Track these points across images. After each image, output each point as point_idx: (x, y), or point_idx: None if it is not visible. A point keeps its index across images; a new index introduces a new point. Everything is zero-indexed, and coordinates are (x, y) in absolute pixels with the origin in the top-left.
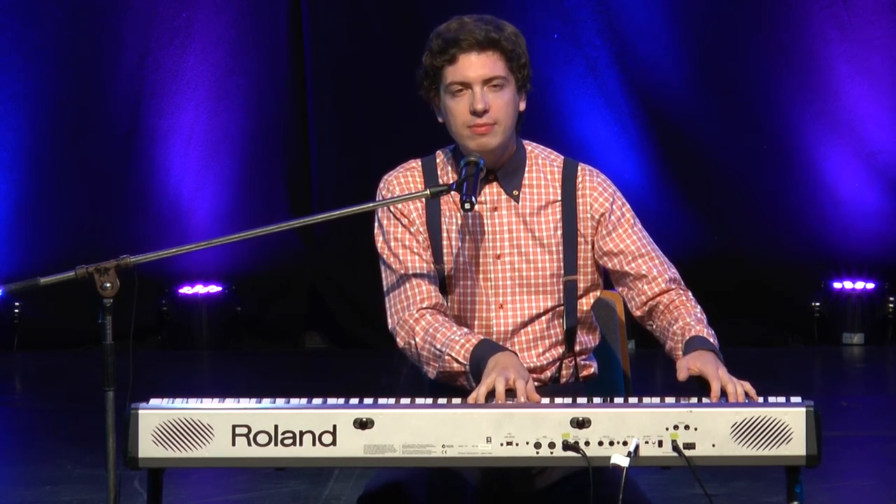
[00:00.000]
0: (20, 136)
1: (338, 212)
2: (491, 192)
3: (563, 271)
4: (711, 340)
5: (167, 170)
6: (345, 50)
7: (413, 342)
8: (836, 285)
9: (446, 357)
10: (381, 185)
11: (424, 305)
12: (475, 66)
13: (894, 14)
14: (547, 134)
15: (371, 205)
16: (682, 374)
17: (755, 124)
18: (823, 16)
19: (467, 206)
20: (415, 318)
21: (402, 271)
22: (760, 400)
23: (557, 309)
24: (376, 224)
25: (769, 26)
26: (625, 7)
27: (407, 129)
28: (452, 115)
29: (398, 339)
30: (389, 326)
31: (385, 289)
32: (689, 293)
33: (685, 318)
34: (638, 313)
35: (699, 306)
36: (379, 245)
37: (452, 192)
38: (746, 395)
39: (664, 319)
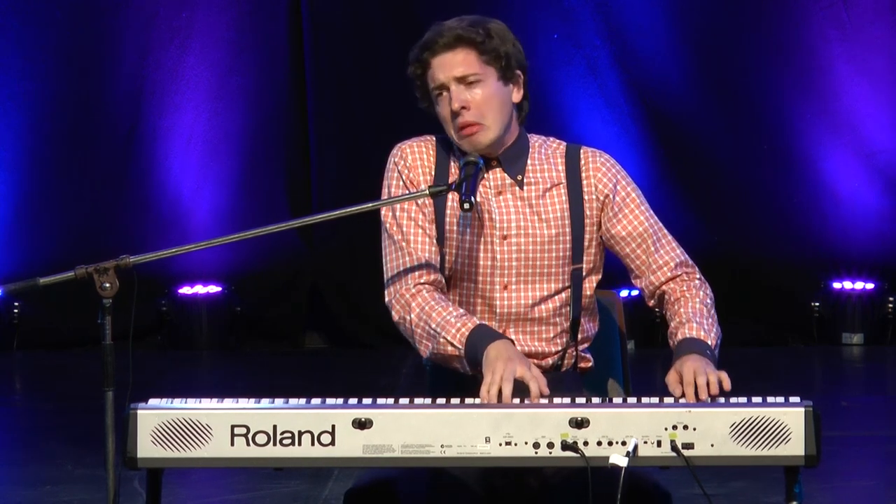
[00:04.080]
0: (20, 136)
1: (338, 212)
2: (495, 178)
3: (570, 258)
4: (700, 336)
5: (167, 170)
6: (345, 50)
7: (408, 318)
8: (836, 285)
9: (441, 339)
10: (395, 150)
11: (422, 281)
12: (446, 66)
13: (894, 14)
14: (547, 134)
15: (371, 205)
16: (676, 393)
17: (755, 124)
18: (823, 16)
19: (466, 206)
20: (411, 293)
21: (404, 244)
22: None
23: (563, 296)
24: (384, 190)
25: (769, 26)
26: (625, 7)
27: (407, 129)
28: (441, 119)
29: (393, 313)
30: (386, 300)
31: (384, 260)
32: (696, 275)
33: (681, 314)
34: (651, 303)
35: (704, 290)
36: (383, 212)
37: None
38: (720, 384)
39: (668, 312)
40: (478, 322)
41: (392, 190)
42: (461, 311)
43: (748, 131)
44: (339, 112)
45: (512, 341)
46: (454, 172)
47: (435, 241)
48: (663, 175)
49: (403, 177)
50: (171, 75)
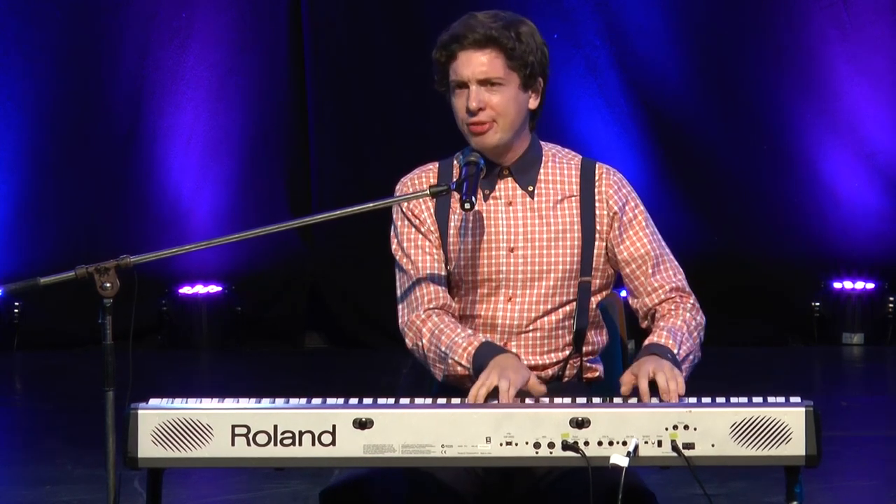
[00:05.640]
0: (20, 135)
1: (338, 212)
2: (506, 188)
3: (578, 271)
4: (669, 344)
5: (167, 170)
6: (345, 49)
7: (420, 343)
8: (836, 285)
9: (450, 360)
10: (398, 186)
11: (431, 306)
12: (473, 64)
13: (894, 14)
14: (547, 134)
15: (371, 205)
16: (623, 390)
17: (755, 124)
18: (823, 16)
19: (466, 206)
20: (421, 319)
21: (413, 271)
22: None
23: (568, 309)
24: (392, 227)
25: (769, 26)
26: (625, 7)
27: (406, 129)
28: (455, 111)
29: (406, 340)
30: (399, 326)
31: (397, 290)
32: (690, 301)
33: (660, 327)
34: (644, 324)
35: (692, 313)
36: (393, 247)
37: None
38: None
39: (652, 329)
40: (484, 340)
41: (398, 225)
42: (469, 331)
43: (748, 131)
44: (339, 112)
45: (517, 356)
46: (457, 198)
47: (444, 265)
48: (663, 175)
49: (404, 210)
50: (171, 75)
